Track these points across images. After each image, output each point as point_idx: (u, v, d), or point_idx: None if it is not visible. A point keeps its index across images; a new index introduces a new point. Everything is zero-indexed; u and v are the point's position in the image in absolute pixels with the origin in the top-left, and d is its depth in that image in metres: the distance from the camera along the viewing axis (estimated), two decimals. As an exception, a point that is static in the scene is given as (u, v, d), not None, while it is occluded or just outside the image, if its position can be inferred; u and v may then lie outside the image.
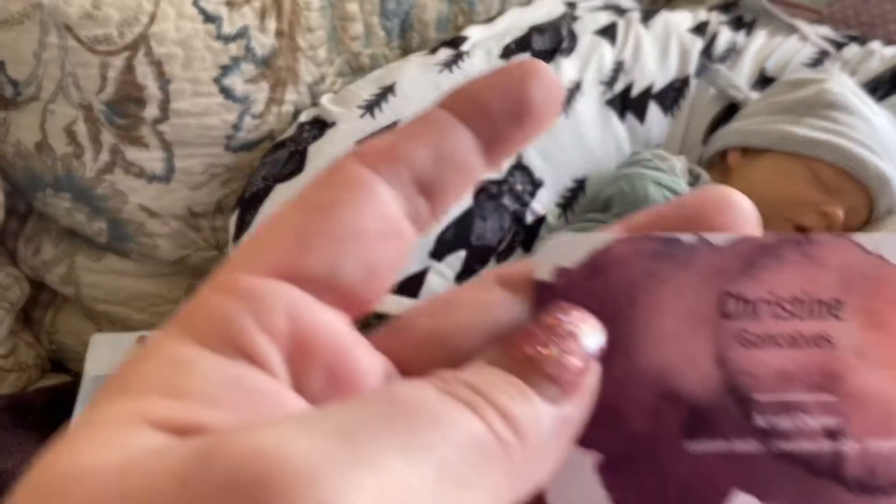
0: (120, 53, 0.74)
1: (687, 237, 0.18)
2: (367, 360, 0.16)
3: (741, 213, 0.18)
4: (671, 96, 0.86)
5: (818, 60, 0.88)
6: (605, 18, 0.88)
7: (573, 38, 0.85)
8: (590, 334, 0.16)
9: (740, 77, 0.87)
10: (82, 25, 0.73)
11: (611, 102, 0.83)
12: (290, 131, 0.80)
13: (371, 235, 0.15)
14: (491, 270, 0.18)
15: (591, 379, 0.16)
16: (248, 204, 0.76)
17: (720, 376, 0.17)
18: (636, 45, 0.86)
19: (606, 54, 0.84)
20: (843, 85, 0.80)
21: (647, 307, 0.17)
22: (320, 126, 0.78)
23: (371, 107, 0.78)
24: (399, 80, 0.79)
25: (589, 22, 0.87)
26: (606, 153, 0.83)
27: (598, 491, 0.17)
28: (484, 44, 0.83)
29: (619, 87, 0.84)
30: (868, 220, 0.77)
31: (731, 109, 0.86)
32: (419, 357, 0.17)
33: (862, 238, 0.18)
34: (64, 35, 0.73)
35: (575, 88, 0.81)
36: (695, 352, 0.17)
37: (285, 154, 0.77)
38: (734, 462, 0.17)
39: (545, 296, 0.17)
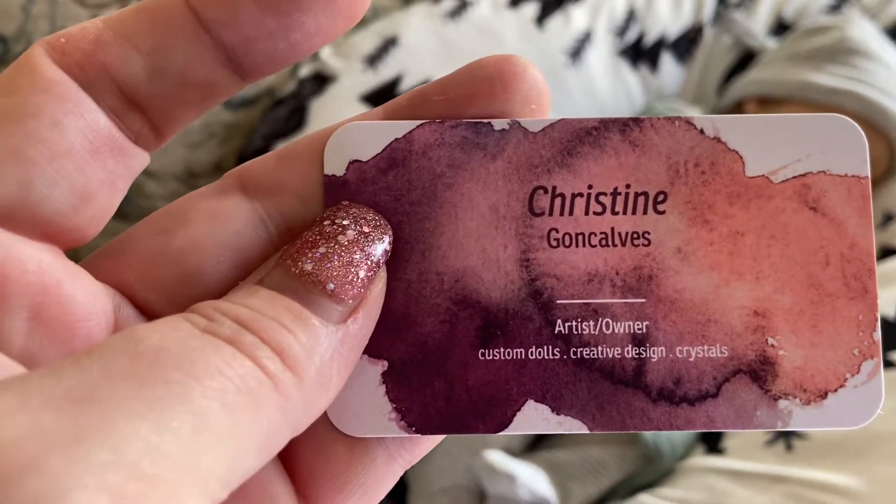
0: (110, 6, 0.71)
1: (499, 122, 0.16)
2: (84, 294, 0.13)
3: (531, 87, 0.15)
4: (685, 45, 0.83)
5: (837, 6, 0.84)
6: (615, -36, 0.85)
7: (583, -16, 0.81)
8: (375, 238, 0.14)
9: (757, 24, 0.84)
10: (70, -23, 0.70)
11: (623, 52, 0.80)
12: (290, 87, 0.77)
13: (77, 153, 0.13)
14: (234, 170, 0.15)
15: (378, 288, 0.14)
16: (249, 163, 0.74)
17: (522, 279, 0.16)
18: (649, -8, 0.82)
19: (618, 2, 0.81)
20: (864, 31, 0.77)
21: (449, 203, 0.16)
22: (321, 81, 0.75)
23: (373, 60, 0.75)
24: (402, 32, 0.76)
25: (599, -32, 0.84)
26: (618, 105, 0.80)
27: (380, 401, 0.15)
28: (490, -8, 0.80)
29: (631, 36, 0.80)
30: (889, 169, 0.75)
31: (747, 58, 0.83)
32: (147, 280, 0.14)
33: (699, 119, 0.16)
34: (52, -12, 0.70)
35: (585, 38, 0.78)
36: (497, 253, 0.16)
37: (285, 111, 0.75)
38: (529, 370, 0.15)
39: (336, 193, 0.15)
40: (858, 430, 0.50)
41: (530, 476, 0.57)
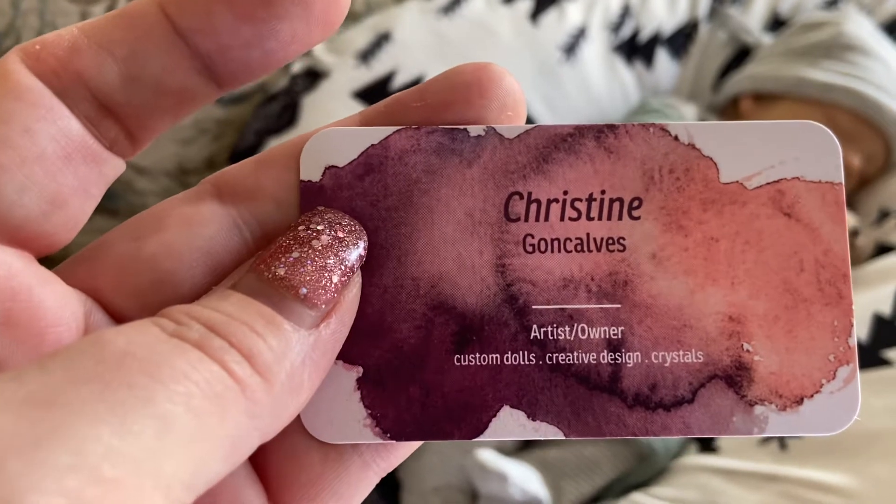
0: (101, 2, 0.71)
1: (475, 129, 0.16)
2: (55, 299, 0.13)
3: (507, 94, 0.15)
4: (680, 41, 0.82)
5: (833, 1, 0.84)
6: (610, -41, 0.84)
7: (577, -20, 0.81)
8: (350, 243, 0.14)
9: (752, 20, 0.83)
10: (60, -28, 0.70)
11: (618, 48, 0.80)
12: (282, 83, 0.76)
13: (48, 159, 0.13)
14: (211, 176, 0.16)
15: (352, 293, 0.14)
16: (240, 159, 0.73)
17: (497, 285, 0.16)
18: (644, -12, 0.82)
19: (613, -3, 0.81)
20: (861, 26, 0.76)
21: (425, 208, 0.16)
22: (313, 77, 0.75)
23: (366, 55, 0.74)
24: (395, 27, 0.76)
25: (594, -37, 0.83)
26: (613, 101, 0.79)
27: (355, 407, 0.15)
28: (484, -13, 0.79)
29: (626, 32, 0.80)
30: (885, 166, 0.75)
31: (742, 54, 0.83)
32: (120, 285, 0.14)
33: (673, 126, 0.16)
34: (41, -17, 0.70)
35: (579, 34, 0.78)
36: (472, 258, 0.16)
37: (278, 107, 0.74)
38: (505, 375, 0.15)
39: (312, 198, 0.16)
40: (852, 429, 0.50)
41: (522, 475, 0.56)
